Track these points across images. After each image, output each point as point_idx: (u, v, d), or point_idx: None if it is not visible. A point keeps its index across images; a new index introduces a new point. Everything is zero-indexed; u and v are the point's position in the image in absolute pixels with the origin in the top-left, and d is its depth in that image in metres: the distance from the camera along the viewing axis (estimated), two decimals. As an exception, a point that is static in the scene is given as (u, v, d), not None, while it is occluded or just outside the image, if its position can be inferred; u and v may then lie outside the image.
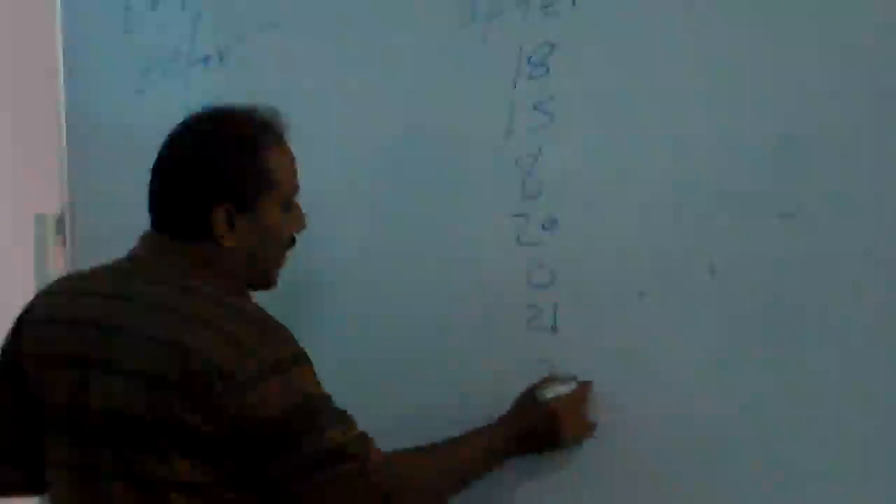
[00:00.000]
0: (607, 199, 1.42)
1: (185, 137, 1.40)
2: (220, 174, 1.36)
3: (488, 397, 1.53)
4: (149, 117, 2.04)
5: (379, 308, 1.70)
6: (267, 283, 1.45)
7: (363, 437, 1.30)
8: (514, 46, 1.51)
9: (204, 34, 2.00)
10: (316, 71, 1.80)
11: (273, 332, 1.30)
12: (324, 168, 1.63)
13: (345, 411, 1.31)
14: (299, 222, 1.45)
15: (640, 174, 1.38)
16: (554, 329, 1.47)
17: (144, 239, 1.40)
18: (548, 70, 1.48)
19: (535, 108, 1.48)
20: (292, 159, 1.43)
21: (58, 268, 2.44)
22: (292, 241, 1.45)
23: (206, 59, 1.99)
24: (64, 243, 2.46)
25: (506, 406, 1.46)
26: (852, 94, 1.21)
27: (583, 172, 1.44)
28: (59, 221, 2.47)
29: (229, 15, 1.95)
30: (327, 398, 1.30)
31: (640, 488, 1.39)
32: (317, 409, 1.28)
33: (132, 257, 1.40)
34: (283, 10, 1.85)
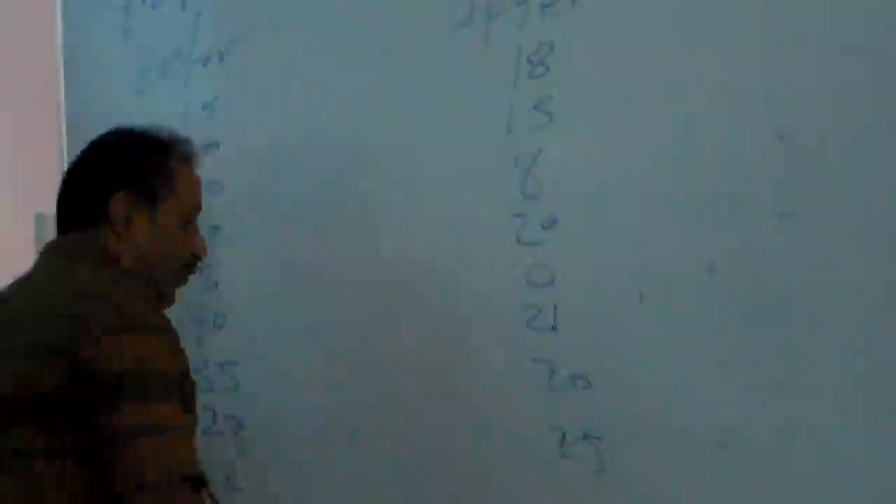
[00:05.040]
0: (607, 199, 1.42)
1: (102, 136, 1.45)
2: (128, 162, 1.41)
3: (488, 397, 1.53)
4: (149, 117, 2.03)
5: (378, 307, 1.70)
6: (158, 294, 1.42)
7: (187, 428, 1.26)
8: (514, 46, 1.51)
9: (204, 34, 1.99)
10: (316, 71, 1.79)
11: (149, 304, 1.32)
12: (323, 167, 1.63)
13: (178, 396, 1.26)
14: (196, 245, 1.45)
15: (640, 174, 1.38)
16: (554, 329, 1.47)
17: (44, 247, 1.42)
18: (548, 70, 1.48)
19: (535, 108, 1.48)
20: (198, 183, 1.46)
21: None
22: (191, 264, 1.45)
23: (206, 60, 1.99)
24: (64, 243, 2.46)
25: (504, 405, 1.46)
26: (852, 94, 1.21)
27: (583, 172, 1.44)
28: (60, 221, 2.46)
29: (229, 15, 1.95)
30: (174, 378, 1.26)
31: (639, 488, 1.39)
32: (155, 381, 1.24)
33: (33, 266, 1.41)
34: (283, 10, 1.85)
